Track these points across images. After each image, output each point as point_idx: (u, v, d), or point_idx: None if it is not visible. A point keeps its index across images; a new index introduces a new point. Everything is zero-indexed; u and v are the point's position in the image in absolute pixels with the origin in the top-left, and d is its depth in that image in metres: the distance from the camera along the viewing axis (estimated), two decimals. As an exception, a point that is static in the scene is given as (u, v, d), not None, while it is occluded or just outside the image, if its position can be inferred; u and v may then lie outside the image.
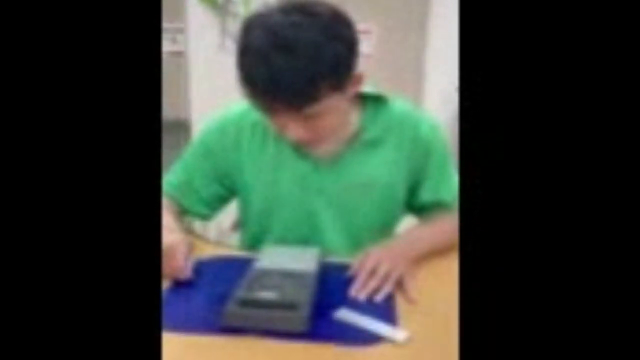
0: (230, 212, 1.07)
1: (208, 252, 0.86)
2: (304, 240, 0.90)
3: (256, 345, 0.60)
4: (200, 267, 0.78)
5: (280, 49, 0.66)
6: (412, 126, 0.89)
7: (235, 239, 1.12)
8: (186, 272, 0.74)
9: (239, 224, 1.05)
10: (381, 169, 0.88)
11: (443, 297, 0.71)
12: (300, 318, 0.61)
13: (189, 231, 0.94)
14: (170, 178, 0.96)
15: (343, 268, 0.77)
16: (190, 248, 0.80)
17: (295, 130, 0.75)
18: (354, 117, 0.88)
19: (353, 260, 0.78)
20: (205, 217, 0.98)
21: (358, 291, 0.71)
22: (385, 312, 0.67)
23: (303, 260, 0.76)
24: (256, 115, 0.84)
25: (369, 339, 0.61)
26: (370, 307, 0.68)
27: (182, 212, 0.95)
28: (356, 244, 0.90)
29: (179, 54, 3.70)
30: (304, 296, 0.64)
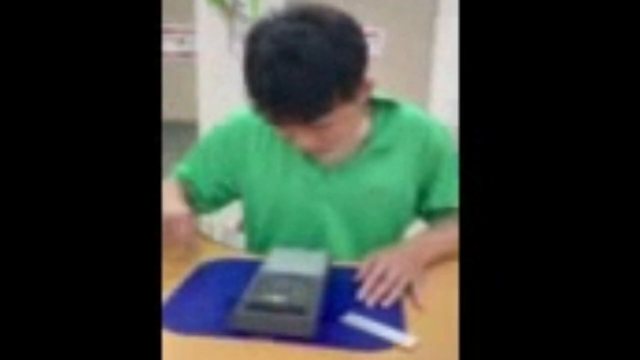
0: (235, 213, 1.07)
1: (215, 254, 0.86)
2: (311, 247, 0.89)
3: (263, 349, 0.59)
4: (208, 269, 0.78)
5: (286, 59, 0.65)
6: (424, 131, 0.89)
7: (240, 239, 1.12)
8: (189, 240, 0.75)
9: (243, 226, 1.05)
10: (391, 176, 0.88)
11: (452, 303, 0.71)
12: (307, 322, 0.60)
13: (195, 231, 0.94)
14: (181, 168, 0.97)
15: (352, 272, 0.77)
16: (196, 222, 0.81)
17: (304, 139, 0.74)
18: (365, 123, 0.87)
19: (360, 263, 0.77)
20: (210, 208, 0.98)
21: (367, 296, 0.71)
22: (394, 317, 0.67)
23: (311, 264, 0.75)
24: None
25: (377, 344, 0.61)
26: (378, 312, 0.68)
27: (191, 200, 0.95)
28: (363, 251, 0.88)
29: (188, 55, 3.72)
30: (312, 300, 0.64)
